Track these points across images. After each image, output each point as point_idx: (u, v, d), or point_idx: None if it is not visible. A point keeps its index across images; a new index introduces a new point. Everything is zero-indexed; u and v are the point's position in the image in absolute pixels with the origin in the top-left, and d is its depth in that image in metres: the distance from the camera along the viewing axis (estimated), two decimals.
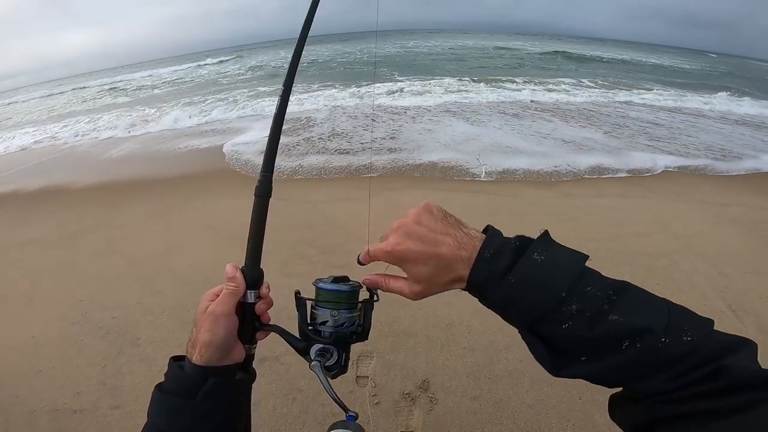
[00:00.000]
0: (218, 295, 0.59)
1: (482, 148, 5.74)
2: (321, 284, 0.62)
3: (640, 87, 12.93)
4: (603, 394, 0.47)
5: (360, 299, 0.64)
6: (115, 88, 21.40)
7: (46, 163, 7.18)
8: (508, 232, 0.53)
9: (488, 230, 0.52)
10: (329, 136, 6.83)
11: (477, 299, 0.52)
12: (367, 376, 2.10)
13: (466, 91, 10.88)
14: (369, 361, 2.22)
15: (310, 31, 0.72)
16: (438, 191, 4.26)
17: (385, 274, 0.59)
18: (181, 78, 22.11)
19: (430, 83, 11.98)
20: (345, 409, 0.56)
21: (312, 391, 1.97)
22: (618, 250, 3.22)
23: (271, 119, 0.67)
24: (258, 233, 0.63)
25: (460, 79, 12.59)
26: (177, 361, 0.60)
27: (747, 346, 0.41)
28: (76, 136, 8.92)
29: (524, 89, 11.25)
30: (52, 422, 2.00)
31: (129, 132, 8.68)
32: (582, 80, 13.77)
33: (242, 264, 0.62)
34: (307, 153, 6.08)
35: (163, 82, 20.93)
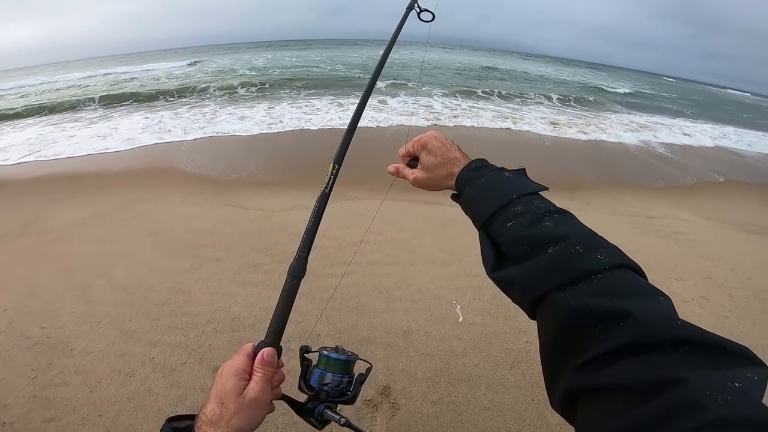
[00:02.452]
0: (247, 372, 0.55)
1: None
2: (326, 353, 0.67)
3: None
4: None
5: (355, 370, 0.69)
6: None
7: None
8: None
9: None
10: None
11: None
12: None
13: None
14: None
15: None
16: (394, 201, 4.29)
17: (401, 165, 0.77)
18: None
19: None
20: None
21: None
22: None
23: (316, 199, 0.67)
24: (285, 311, 0.62)
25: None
26: (174, 421, 0.55)
27: (664, 297, 0.44)
28: None
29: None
30: None
31: None
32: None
33: (260, 340, 0.60)
34: (266, 160, 5.91)
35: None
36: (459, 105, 11.15)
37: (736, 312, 2.92)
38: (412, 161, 0.75)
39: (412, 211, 4.12)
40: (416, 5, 0.94)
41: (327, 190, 0.67)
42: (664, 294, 0.45)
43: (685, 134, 10.36)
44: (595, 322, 0.41)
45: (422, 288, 2.90)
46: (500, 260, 0.55)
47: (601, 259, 0.47)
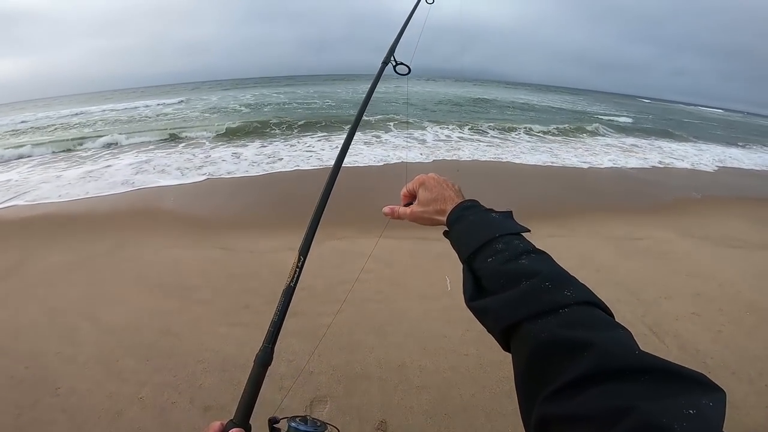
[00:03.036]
0: None
1: None
2: (294, 425, 0.69)
3: None
4: None
5: None
6: None
7: None
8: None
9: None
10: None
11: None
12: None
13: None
14: (323, 406, 2.14)
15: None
16: (384, 239, 4.26)
17: (397, 206, 0.82)
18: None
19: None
20: None
21: None
22: None
23: (281, 294, 0.68)
24: (252, 395, 0.64)
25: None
26: None
27: (624, 330, 0.47)
28: None
29: None
30: None
31: None
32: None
33: (230, 418, 0.62)
34: (257, 201, 5.91)
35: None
36: (450, 137, 11.33)
37: (730, 326, 2.96)
38: (410, 203, 0.80)
39: (401, 248, 4.10)
40: (392, 59, 0.98)
41: (292, 284, 0.68)
42: (625, 328, 0.48)
43: (661, 154, 10.81)
44: (562, 352, 0.44)
45: (414, 323, 2.89)
46: (479, 292, 0.60)
47: (568, 295, 0.51)
